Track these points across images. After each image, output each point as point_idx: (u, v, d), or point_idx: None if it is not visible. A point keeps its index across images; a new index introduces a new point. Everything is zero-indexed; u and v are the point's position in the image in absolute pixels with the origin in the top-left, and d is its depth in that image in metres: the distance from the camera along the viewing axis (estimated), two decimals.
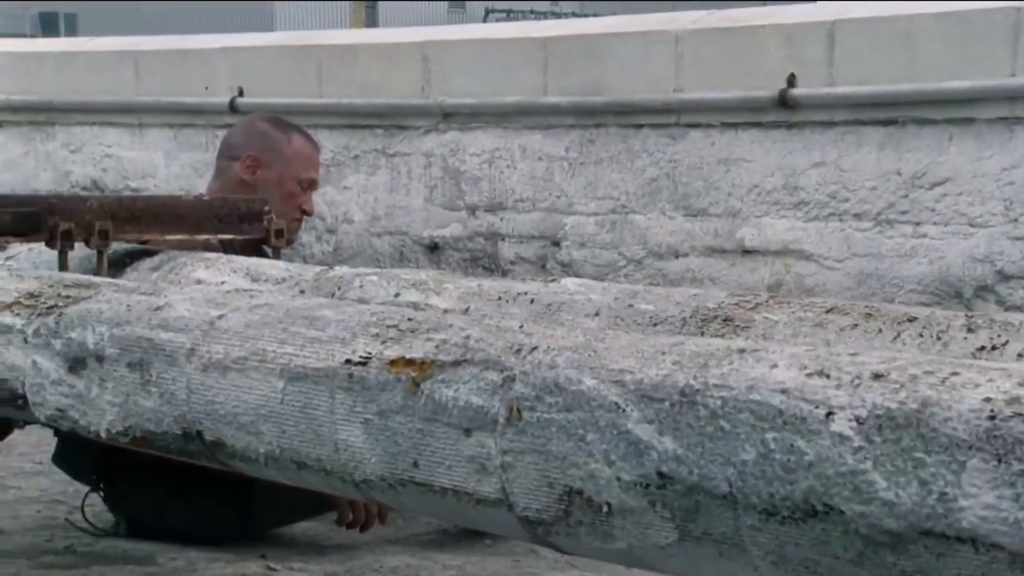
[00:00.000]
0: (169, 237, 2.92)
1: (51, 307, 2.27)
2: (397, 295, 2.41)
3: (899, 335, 1.87)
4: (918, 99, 4.56)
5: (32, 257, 2.90)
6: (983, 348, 1.79)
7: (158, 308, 2.13)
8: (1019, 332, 1.83)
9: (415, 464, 1.73)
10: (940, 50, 4.51)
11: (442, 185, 5.64)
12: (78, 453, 3.30)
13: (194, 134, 6.33)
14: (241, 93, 6.12)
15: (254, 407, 1.92)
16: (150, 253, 2.87)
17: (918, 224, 4.56)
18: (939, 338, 1.84)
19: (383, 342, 1.81)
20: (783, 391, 1.42)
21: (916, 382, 1.35)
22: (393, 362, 1.77)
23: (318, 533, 3.41)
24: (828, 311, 1.98)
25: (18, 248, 2.92)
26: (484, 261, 5.52)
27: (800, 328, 1.96)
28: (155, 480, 3.18)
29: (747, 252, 4.93)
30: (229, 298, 2.11)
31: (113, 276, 2.74)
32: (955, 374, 1.34)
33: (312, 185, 3.64)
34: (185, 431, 2.05)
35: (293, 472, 1.93)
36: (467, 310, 2.31)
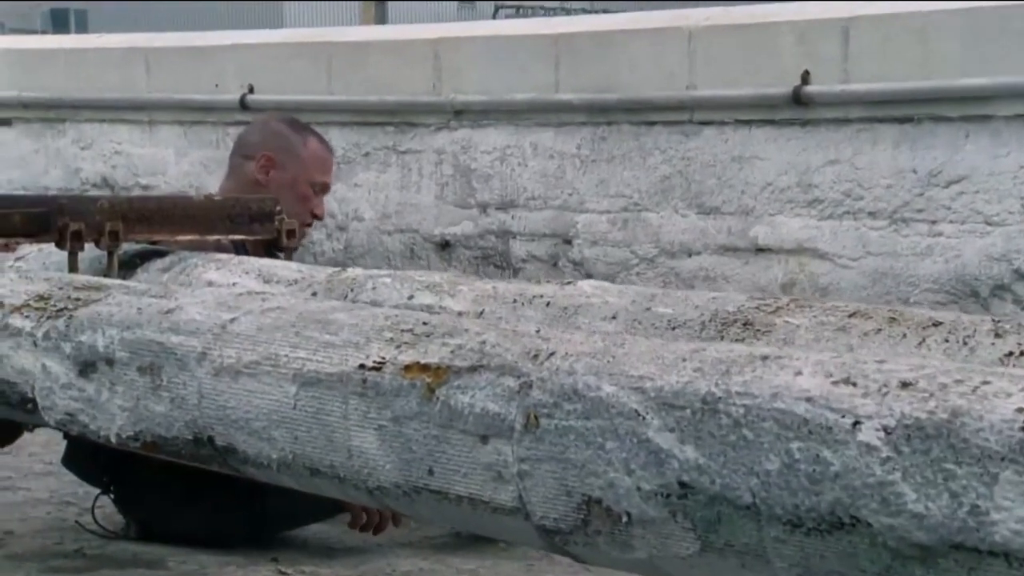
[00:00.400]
0: (180, 238, 2.90)
1: (61, 310, 2.25)
2: (411, 297, 2.39)
3: (924, 340, 1.84)
4: (934, 96, 4.52)
5: (42, 258, 2.88)
6: (1011, 354, 1.76)
7: (169, 311, 2.11)
8: None
9: (430, 471, 1.70)
10: (956, 47, 4.48)
11: (453, 183, 5.61)
12: (88, 455, 3.28)
13: (204, 131, 6.31)
14: (251, 90, 6.10)
15: (266, 412, 1.90)
16: (161, 254, 2.85)
17: (934, 222, 4.53)
18: (965, 343, 1.80)
19: (397, 347, 1.79)
20: (808, 399, 1.39)
21: (946, 391, 1.32)
22: (408, 367, 1.75)
23: (330, 536, 3.39)
24: (851, 315, 1.94)
25: (28, 249, 2.91)
26: (495, 259, 5.49)
27: (822, 333, 1.93)
28: (166, 483, 3.16)
29: (761, 250, 4.89)
30: (241, 301, 2.09)
31: (123, 277, 2.73)
32: (986, 383, 1.31)
33: (325, 189, 3.63)
34: (196, 436, 2.02)
35: (306, 478, 1.91)
36: (482, 313, 2.29)
